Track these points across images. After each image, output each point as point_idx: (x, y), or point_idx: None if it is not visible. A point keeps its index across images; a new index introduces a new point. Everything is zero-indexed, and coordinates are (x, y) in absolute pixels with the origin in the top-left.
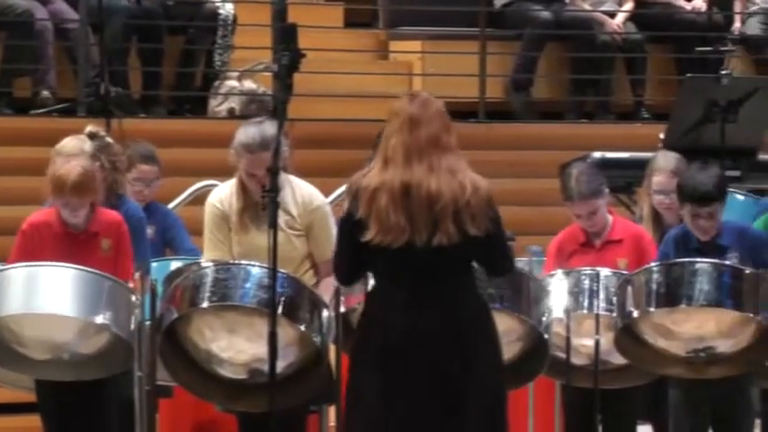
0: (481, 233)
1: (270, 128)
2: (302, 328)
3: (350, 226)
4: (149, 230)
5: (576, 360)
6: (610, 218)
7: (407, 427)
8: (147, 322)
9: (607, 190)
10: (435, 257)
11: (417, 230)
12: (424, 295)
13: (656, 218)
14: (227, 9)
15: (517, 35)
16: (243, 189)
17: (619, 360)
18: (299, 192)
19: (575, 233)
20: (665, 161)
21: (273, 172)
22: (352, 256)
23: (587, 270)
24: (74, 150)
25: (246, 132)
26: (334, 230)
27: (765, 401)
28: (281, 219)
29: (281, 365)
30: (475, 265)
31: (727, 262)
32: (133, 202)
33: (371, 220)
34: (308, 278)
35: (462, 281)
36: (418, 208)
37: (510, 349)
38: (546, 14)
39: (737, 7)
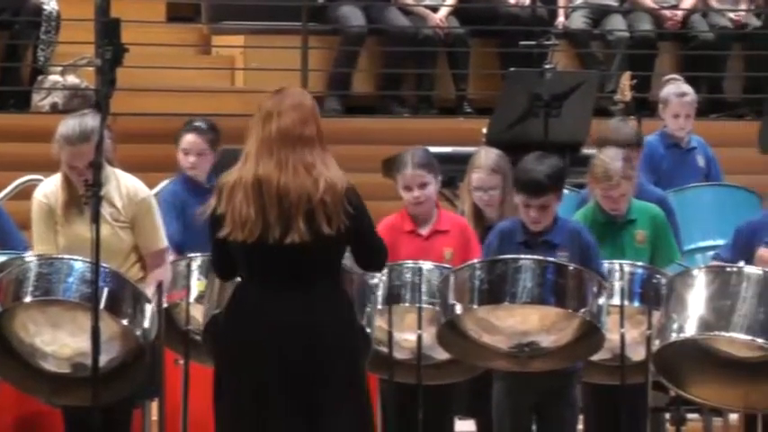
0: (336, 232)
1: (90, 120)
2: (125, 322)
3: (213, 222)
4: None
5: (399, 354)
6: (436, 209)
7: (264, 421)
8: None
9: (440, 177)
10: (289, 255)
11: (269, 227)
12: (280, 290)
13: (477, 214)
14: (51, 5)
15: (339, 30)
16: (67, 182)
17: (441, 355)
18: (123, 184)
19: (401, 221)
20: (485, 158)
21: (96, 166)
22: (219, 251)
23: (409, 264)
24: None
25: (67, 125)
26: (159, 222)
27: (590, 396)
28: (106, 211)
29: (103, 360)
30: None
31: (551, 258)
32: None
33: (228, 217)
34: (136, 271)
35: (321, 277)
36: (269, 204)
37: None
38: (367, 9)
39: (561, 1)
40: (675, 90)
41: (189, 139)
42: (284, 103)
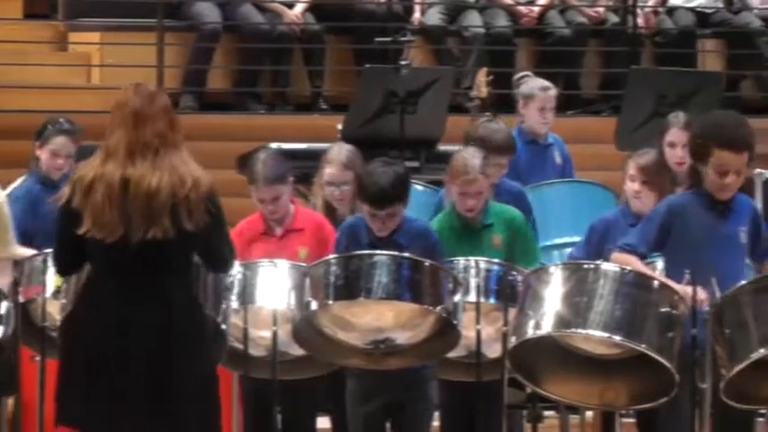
0: (197, 229)
1: None
2: None
3: (66, 215)
4: None
5: (255, 351)
6: (292, 207)
7: (113, 421)
8: None
9: (292, 178)
10: (150, 251)
11: (133, 227)
12: (136, 288)
13: (330, 209)
14: None
15: (195, 26)
16: None
17: (297, 351)
18: None
19: (255, 222)
20: (338, 153)
21: None
22: (68, 245)
23: (265, 262)
24: None
25: None
26: (9, 225)
27: (446, 393)
28: None
29: None
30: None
31: (407, 254)
32: None
33: (86, 213)
34: None
35: (177, 275)
36: (135, 205)
37: None
38: (223, 6)
39: None
40: (539, 85)
41: (60, 141)
42: (156, 105)
